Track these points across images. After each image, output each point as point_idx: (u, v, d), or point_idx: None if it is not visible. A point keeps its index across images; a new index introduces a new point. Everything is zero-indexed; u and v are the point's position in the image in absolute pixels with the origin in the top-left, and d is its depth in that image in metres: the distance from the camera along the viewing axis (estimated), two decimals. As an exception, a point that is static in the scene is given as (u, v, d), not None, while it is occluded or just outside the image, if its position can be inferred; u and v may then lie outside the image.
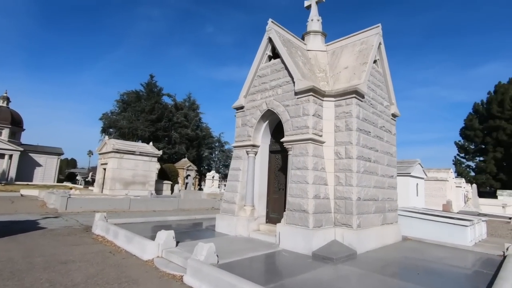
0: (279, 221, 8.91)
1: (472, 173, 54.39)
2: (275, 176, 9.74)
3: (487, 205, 32.75)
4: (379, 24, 9.39)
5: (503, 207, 31.76)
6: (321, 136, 8.14)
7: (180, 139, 49.84)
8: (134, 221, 10.85)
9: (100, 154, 23.94)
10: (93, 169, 65.00)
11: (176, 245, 6.79)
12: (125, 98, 49.22)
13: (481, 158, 54.20)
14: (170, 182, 25.14)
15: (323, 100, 8.39)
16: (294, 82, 8.42)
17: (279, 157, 9.67)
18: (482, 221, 11.59)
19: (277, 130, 9.79)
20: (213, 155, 67.90)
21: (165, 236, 6.61)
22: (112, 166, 21.32)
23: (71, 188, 26.46)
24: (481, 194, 39.20)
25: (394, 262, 7.07)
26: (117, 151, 21.54)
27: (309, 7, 11.42)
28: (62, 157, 55.96)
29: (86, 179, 58.70)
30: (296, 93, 8.30)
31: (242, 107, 10.11)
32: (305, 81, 8.09)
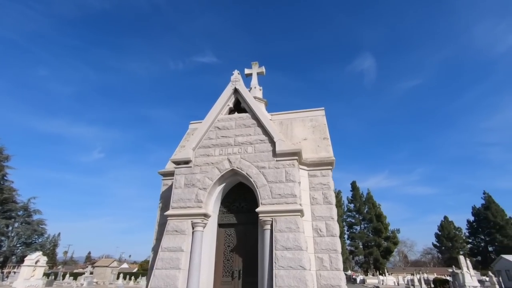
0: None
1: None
2: (225, 259, 7.24)
3: None
4: (323, 107, 10.29)
5: None
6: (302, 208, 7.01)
7: (-41, 200, 32.61)
8: None
9: None
10: None
11: None
12: None
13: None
14: None
15: (299, 168, 7.58)
16: (272, 142, 7.31)
17: (232, 233, 7.46)
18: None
19: (228, 196, 7.81)
20: (10, 228, 47.77)
21: None
22: None
23: None
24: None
25: None
26: None
27: (249, 75, 11.33)
28: None
29: None
30: (277, 155, 7.12)
31: (188, 162, 7.62)
32: (289, 143, 7.18)
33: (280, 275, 5.86)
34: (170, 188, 8.35)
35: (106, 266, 42.56)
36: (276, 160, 7.10)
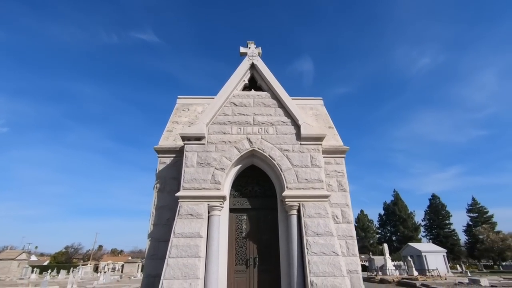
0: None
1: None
2: (237, 247, 6.67)
3: None
4: (321, 98, 10.33)
5: None
6: (322, 194, 6.89)
7: None
8: None
9: None
10: None
11: None
12: None
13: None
14: None
15: (317, 154, 7.43)
16: (296, 125, 7.00)
17: (245, 218, 6.91)
18: None
19: (239, 179, 7.21)
20: None
21: None
22: None
23: None
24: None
25: None
26: None
27: (244, 54, 10.66)
28: None
29: None
30: (302, 139, 6.83)
31: (200, 138, 6.72)
32: (315, 127, 6.96)
33: (313, 262, 5.65)
34: (168, 167, 7.33)
35: (12, 259, 35.89)
36: (301, 144, 6.81)
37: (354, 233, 6.90)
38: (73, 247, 65.51)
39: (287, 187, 6.39)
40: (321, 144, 6.90)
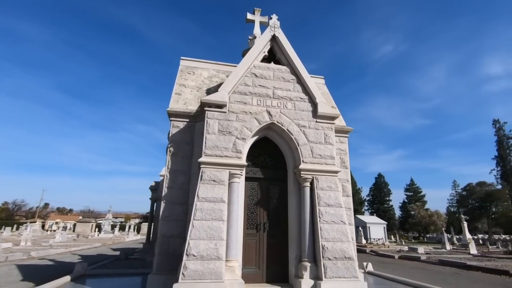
0: (259, 278, 6.58)
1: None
2: (249, 212, 7.04)
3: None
4: (323, 76, 10.67)
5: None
6: (329, 169, 7.45)
7: None
8: None
9: None
10: None
11: None
12: None
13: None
14: None
15: (326, 132, 7.88)
16: (312, 103, 7.30)
17: (256, 187, 7.24)
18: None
19: (252, 150, 7.43)
20: None
21: None
22: None
23: None
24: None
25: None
26: None
27: (250, 21, 10.39)
28: None
29: None
30: (318, 116, 7.18)
31: (221, 106, 6.68)
32: (330, 107, 7.32)
33: (325, 229, 6.29)
34: (181, 132, 7.25)
35: None
36: (316, 121, 7.17)
37: (352, 205, 7.72)
38: (15, 203, 60.54)
39: (303, 161, 6.80)
40: (334, 123, 7.34)
